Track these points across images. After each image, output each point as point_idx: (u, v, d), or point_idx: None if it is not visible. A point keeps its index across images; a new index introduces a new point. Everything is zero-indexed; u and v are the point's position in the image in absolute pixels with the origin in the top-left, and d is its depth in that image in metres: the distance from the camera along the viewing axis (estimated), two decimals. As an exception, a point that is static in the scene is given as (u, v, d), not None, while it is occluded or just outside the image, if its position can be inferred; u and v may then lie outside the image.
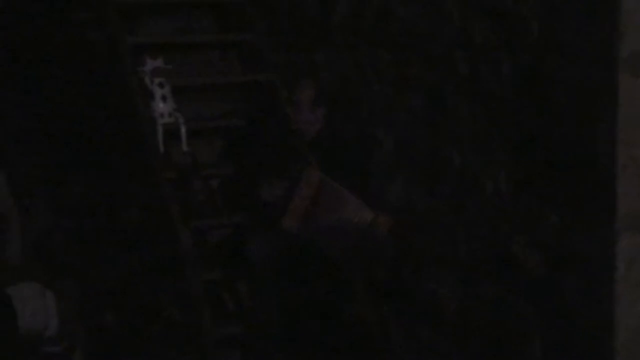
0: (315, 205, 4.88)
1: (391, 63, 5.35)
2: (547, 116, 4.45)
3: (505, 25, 4.77)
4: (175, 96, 5.40)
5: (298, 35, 5.86)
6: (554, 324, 4.44)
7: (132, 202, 5.49)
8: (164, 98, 5.35)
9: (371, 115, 5.48)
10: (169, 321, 5.27)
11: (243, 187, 5.24)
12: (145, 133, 5.31)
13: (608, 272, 3.81)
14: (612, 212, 3.75)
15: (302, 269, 4.95)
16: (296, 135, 5.23)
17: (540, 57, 4.56)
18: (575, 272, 4.34)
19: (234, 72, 5.93)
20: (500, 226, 4.82)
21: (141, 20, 5.76)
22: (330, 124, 5.31)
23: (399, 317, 5.28)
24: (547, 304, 4.47)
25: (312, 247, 4.87)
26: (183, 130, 5.33)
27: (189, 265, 5.10)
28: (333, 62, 5.69)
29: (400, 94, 5.30)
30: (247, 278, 5.19)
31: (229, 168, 5.46)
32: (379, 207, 4.95)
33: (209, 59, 5.85)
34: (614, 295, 3.76)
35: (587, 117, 4.28)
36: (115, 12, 5.47)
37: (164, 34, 5.77)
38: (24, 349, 4.65)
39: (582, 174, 4.30)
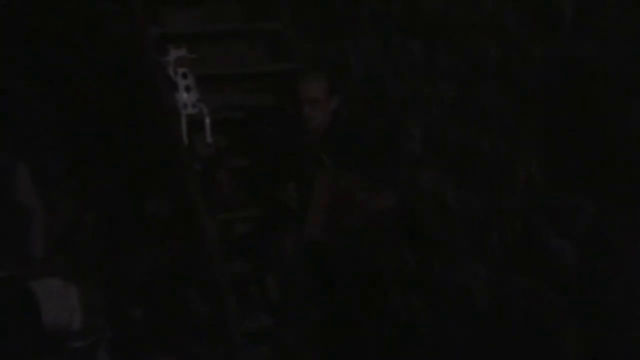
0: (331, 210, 4.93)
1: (421, 51, 5.31)
2: (582, 104, 4.53)
3: (537, 10, 4.72)
4: (200, 86, 5.37)
5: (326, 23, 5.83)
6: (589, 317, 4.52)
7: (157, 194, 5.50)
8: (187, 88, 5.34)
9: (401, 105, 5.43)
10: (195, 315, 5.28)
11: (261, 183, 5.25)
12: (169, 124, 5.30)
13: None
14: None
15: (330, 267, 4.98)
16: (309, 135, 5.17)
17: (575, 43, 4.53)
18: (611, 263, 4.43)
19: (261, 62, 5.90)
20: (534, 217, 4.77)
21: (165, 9, 5.75)
22: (344, 112, 5.28)
23: (428, 310, 5.25)
24: (582, 297, 4.55)
25: (336, 249, 4.93)
26: (207, 121, 5.31)
27: (215, 258, 5.11)
28: (362, 51, 5.64)
29: (430, 83, 5.26)
30: (276, 271, 5.18)
31: (249, 161, 5.45)
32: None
33: (235, 49, 5.83)
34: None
35: (624, 104, 4.35)
36: (139, 2, 5.44)
37: (189, 23, 5.77)
38: (49, 344, 4.71)
39: (619, 161, 4.39)
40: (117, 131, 5.61)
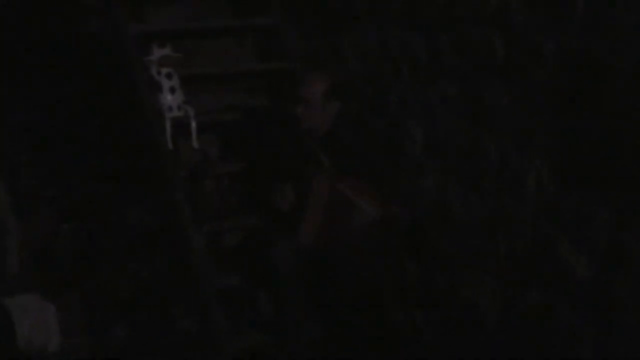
0: (328, 215, 4.92)
1: (423, 48, 5.29)
2: (596, 103, 4.45)
3: (547, 2, 4.66)
4: (185, 87, 5.36)
5: (321, 19, 5.82)
6: (605, 334, 4.46)
7: (140, 204, 5.46)
8: (172, 90, 5.33)
9: (401, 105, 5.42)
10: (182, 333, 5.25)
11: (255, 188, 5.22)
12: (152, 128, 5.27)
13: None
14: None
15: (327, 281, 4.96)
16: (306, 135, 5.15)
17: (588, 38, 4.47)
18: (628, 275, 4.37)
19: (251, 61, 5.90)
20: (545, 225, 4.74)
21: (149, 6, 5.73)
22: (346, 117, 5.24)
23: (432, 327, 5.25)
24: (598, 310, 4.48)
25: (333, 260, 4.92)
26: (193, 124, 5.31)
27: (202, 272, 5.08)
28: (360, 49, 5.63)
29: (433, 81, 5.24)
30: (269, 285, 5.16)
31: (240, 165, 5.41)
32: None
33: (223, 47, 5.83)
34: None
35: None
36: (118, -1, 5.42)
37: (173, 20, 5.74)
38: (25, 364, 4.62)
39: (636, 166, 4.31)
40: (96, 137, 5.56)
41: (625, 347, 4.40)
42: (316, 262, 4.96)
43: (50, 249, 5.35)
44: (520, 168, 4.83)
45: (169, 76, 5.35)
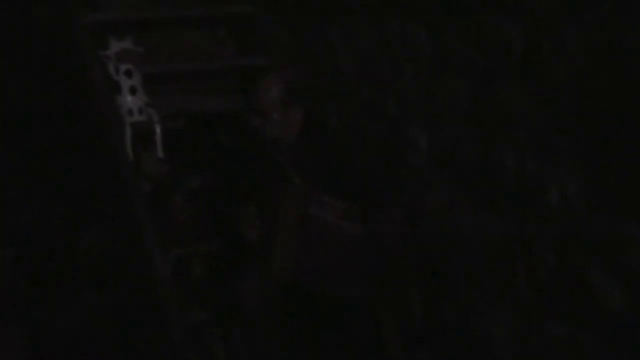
0: (303, 243, 4.80)
1: (427, 41, 5.25)
2: (629, 105, 4.33)
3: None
4: (148, 87, 5.33)
5: (308, 8, 5.81)
6: None
7: (95, 224, 5.40)
8: (132, 90, 5.33)
9: (403, 107, 5.40)
10: None
11: (215, 210, 5.16)
12: (109, 135, 5.20)
13: None
14: None
15: (314, 320, 4.91)
16: (272, 148, 5.08)
17: (619, 30, 4.34)
18: None
19: (226, 55, 5.92)
20: (571, 247, 4.63)
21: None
22: (317, 123, 5.21)
23: None
24: (632, 347, 4.38)
25: (315, 295, 4.85)
26: (158, 131, 5.29)
27: (168, 304, 5.00)
28: (353, 41, 5.61)
29: (440, 80, 5.18)
30: (242, 321, 5.10)
31: (198, 182, 5.43)
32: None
33: (193, 40, 5.85)
34: None
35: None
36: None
37: (134, 8, 5.75)
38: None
39: None
40: (44, 145, 5.53)
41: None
42: (295, 296, 4.86)
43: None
44: (542, 181, 4.74)
45: (128, 74, 5.34)
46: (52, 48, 5.53)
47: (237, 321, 5.14)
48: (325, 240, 4.82)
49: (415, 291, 5.28)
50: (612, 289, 4.49)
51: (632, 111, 4.36)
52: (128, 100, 5.34)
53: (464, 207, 5.12)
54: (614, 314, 4.50)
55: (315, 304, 4.92)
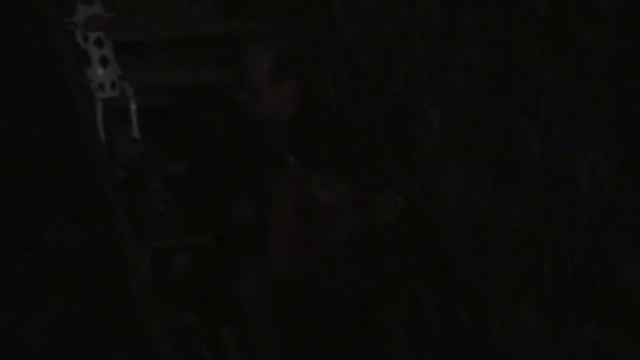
0: (301, 232, 4.82)
1: (439, 5, 5.19)
2: None
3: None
4: (122, 58, 5.25)
5: None
6: None
7: (62, 217, 5.30)
8: (104, 61, 5.26)
9: (411, 80, 5.34)
10: None
11: (203, 198, 5.12)
12: (78, 113, 5.11)
13: None
14: None
15: (309, 313, 4.92)
16: (264, 128, 5.11)
17: None
18: None
19: (211, 22, 5.87)
20: (602, 236, 4.55)
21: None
22: (313, 98, 5.19)
23: None
24: None
25: (318, 293, 4.86)
26: (133, 107, 5.26)
27: (148, 305, 4.91)
28: (356, 8, 5.57)
29: (453, 49, 5.13)
30: (234, 321, 5.03)
31: (182, 166, 5.35)
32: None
33: (171, 3, 5.79)
34: None
35: None
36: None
37: None
38: None
39: None
40: (4, 126, 5.44)
41: None
42: (293, 292, 4.85)
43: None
44: (570, 163, 4.67)
45: (98, 43, 5.27)
46: (11, 13, 5.44)
47: (228, 323, 5.10)
48: (326, 228, 4.84)
49: (425, 288, 5.23)
50: (648, 282, 4.52)
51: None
52: (99, 73, 5.26)
53: (481, 193, 5.06)
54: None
55: (316, 303, 4.90)
